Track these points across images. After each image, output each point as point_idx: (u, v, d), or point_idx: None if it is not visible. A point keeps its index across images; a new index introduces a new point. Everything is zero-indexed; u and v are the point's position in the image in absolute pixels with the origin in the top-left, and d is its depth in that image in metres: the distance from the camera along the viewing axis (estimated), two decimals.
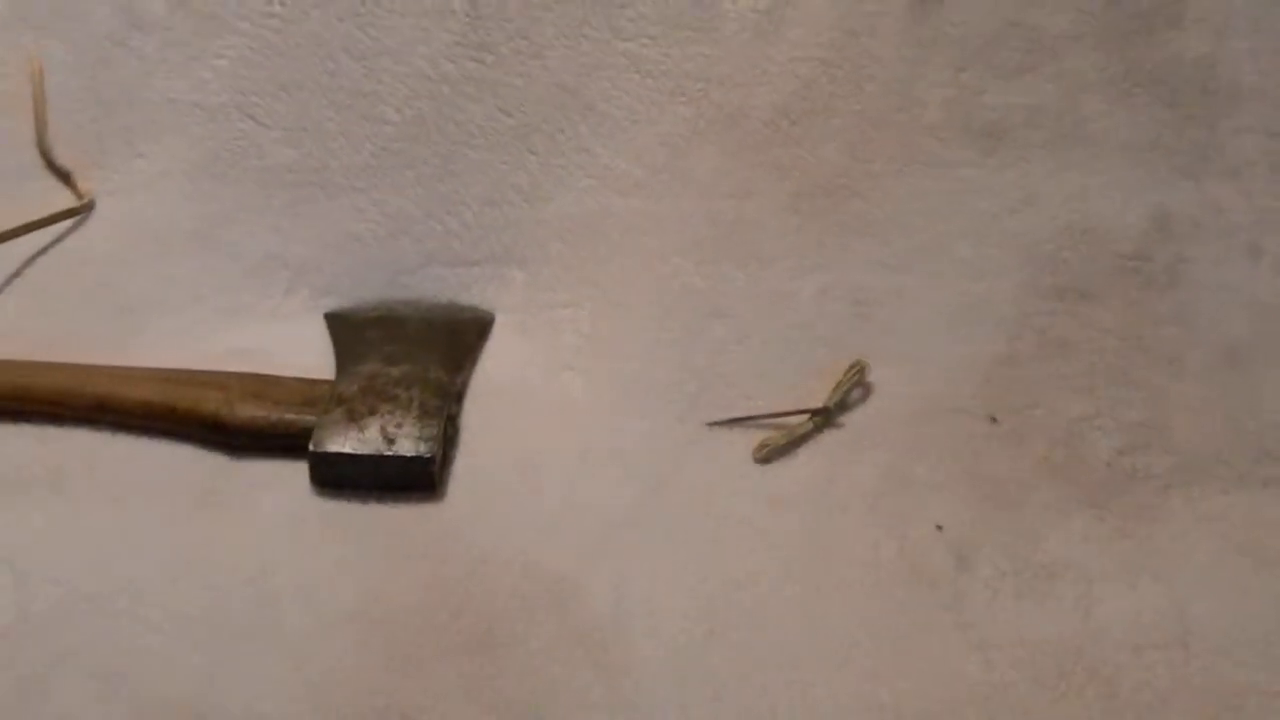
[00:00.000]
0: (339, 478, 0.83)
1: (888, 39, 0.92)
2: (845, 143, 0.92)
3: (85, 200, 0.94)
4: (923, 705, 0.74)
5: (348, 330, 0.92)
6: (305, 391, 0.86)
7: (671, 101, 0.93)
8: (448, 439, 0.85)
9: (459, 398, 0.88)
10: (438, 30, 0.94)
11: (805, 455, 0.86)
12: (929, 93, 0.92)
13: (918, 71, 0.92)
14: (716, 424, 0.87)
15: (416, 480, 0.83)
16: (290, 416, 0.85)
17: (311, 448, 0.83)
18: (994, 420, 0.86)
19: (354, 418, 0.84)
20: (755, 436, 0.86)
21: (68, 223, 0.94)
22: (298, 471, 0.84)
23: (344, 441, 0.83)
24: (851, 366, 0.87)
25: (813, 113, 0.92)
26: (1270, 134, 0.91)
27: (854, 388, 0.87)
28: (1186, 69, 0.91)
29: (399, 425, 0.84)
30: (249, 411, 0.85)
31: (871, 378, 0.88)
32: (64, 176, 0.95)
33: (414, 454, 0.82)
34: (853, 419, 0.87)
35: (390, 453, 0.82)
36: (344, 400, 0.85)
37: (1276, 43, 0.91)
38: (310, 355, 0.90)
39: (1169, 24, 0.92)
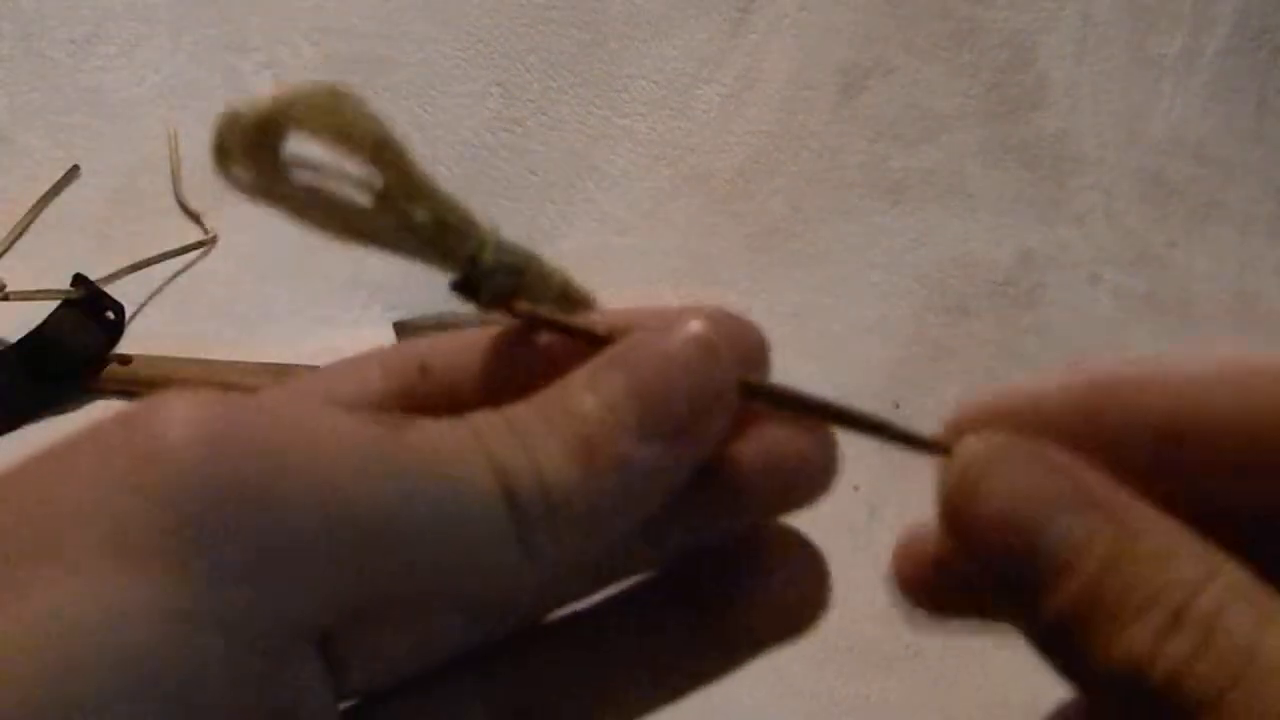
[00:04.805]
0: None
1: (819, 117, 0.91)
2: (787, 197, 0.91)
3: (211, 236, 0.93)
4: (844, 625, 0.73)
5: (410, 335, 0.90)
6: None
7: (656, 164, 0.92)
8: None
9: None
10: (479, 108, 0.93)
11: None
12: (850, 158, 0.91)
13: (842, 142, 0.91)
14: None
15: None
16: None
17: None
18: (897, 406, 0.85)
19: None
20: None
21: (198, 252, 0.93)
22: None
23: None
24: None
25: (763, 174, 0.91)
26: (1105, 191, 0.91)
27: None
28: (1044, 141, 0.91)
29: None
30: None
31: (804, 373, 0.87)
32: (194, 217, 0.93)
33: None
34: None
35: None
36: None
37: (1112, 123, 0.91)
38: None
39: (1031, 107, 0.91)
